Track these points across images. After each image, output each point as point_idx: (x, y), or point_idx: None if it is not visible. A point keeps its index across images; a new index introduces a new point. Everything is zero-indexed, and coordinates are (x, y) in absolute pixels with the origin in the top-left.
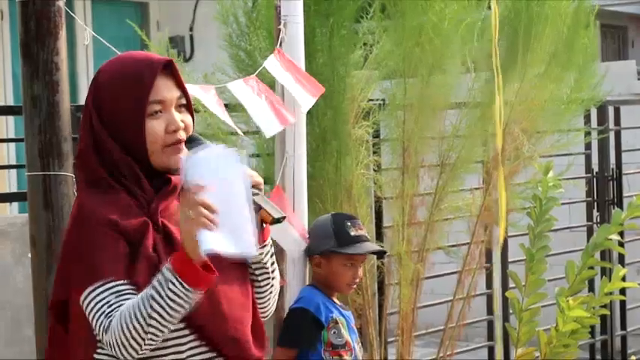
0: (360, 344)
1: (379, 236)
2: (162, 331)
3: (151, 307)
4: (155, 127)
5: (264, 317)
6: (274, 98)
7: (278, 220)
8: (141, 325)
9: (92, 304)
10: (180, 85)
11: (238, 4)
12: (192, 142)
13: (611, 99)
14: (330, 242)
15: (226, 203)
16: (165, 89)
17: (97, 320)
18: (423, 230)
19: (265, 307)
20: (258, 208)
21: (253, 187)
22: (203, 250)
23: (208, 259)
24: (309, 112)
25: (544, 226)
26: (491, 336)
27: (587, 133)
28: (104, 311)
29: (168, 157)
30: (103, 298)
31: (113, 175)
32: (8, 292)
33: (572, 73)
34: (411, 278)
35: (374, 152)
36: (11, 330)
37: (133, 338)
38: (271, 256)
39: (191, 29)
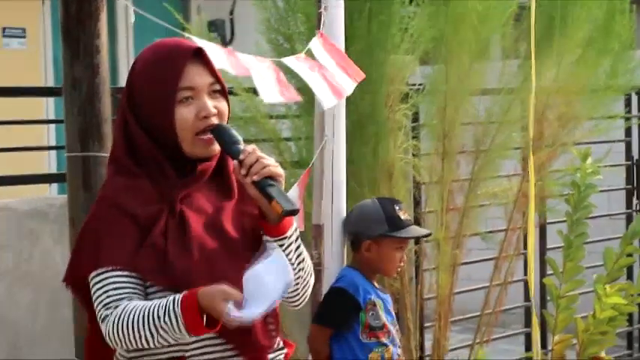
0: (397, 327)
1: (417, 221)
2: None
3: (153, 336)
4: (185, 113)
5: (294, 307)
6: (328, 73)
7: (289, 213)
8: (137, 339)
9: (94, 290)
10: (212, 72)
11: None
12: (220, 131)
13: None
14: (383, 227)
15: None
16: (196, 75)
17: (97, 307)
18: (460, 216)
19: (294, 297)
20: (270, 199)
21: (272, 178)
22: (226, 317)
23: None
24: (348, 96)
25: (582, 213)
26: (528, 323)
27: (627, 120)
28: (102, 300)
29: (199, 144)
30: (103, 287)
31: (138, 162)
32: (47, 272)
33: (608, 58)
34: (449, 264)
35: (413, 137)
36: (50, 310)
37: (127, 344)
38: (297, 248)
39: (231, 13)
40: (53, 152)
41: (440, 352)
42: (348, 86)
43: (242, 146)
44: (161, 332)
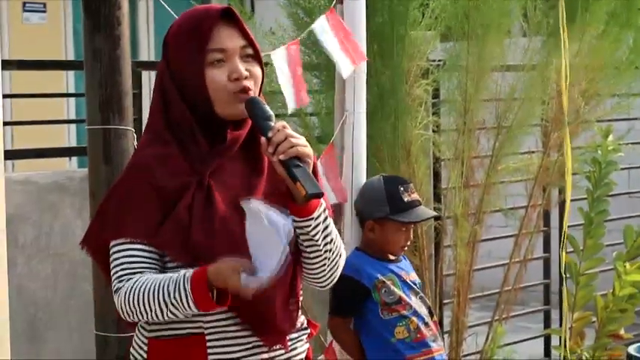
0: (421, 295)
1: (437, 197)
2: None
3: (162, 311)
4: (216, 75)
5: (322, 287)
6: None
7: (313, 196)
8: (147, 312)
9: (111, 259)
10: (245, 35)
11: None
12: (252, 104)
13: None
14: (384, 209)
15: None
16: (226, 38)
17: (112, 277)
18: (480, 192)
19: (320, 278)
20: (294, 180)
21: (299, 158)
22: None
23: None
24: (367, 71)
25: (603, 190)
26: (547, 300)
27: None
28: (117, 272)
29: (233, 105)
30: (119, 258)
31: (172, 130)
32: (67, 245)
33: (631, 34)
34: (468, 240)
35: (433, 113)
36: (70, 283)
37: (138, 316)
38: (324, 229)
39: None
40: (73, 126)
41: (459, 328)
42: (346, 68)
43: (273, 123)
44: (171, 308)
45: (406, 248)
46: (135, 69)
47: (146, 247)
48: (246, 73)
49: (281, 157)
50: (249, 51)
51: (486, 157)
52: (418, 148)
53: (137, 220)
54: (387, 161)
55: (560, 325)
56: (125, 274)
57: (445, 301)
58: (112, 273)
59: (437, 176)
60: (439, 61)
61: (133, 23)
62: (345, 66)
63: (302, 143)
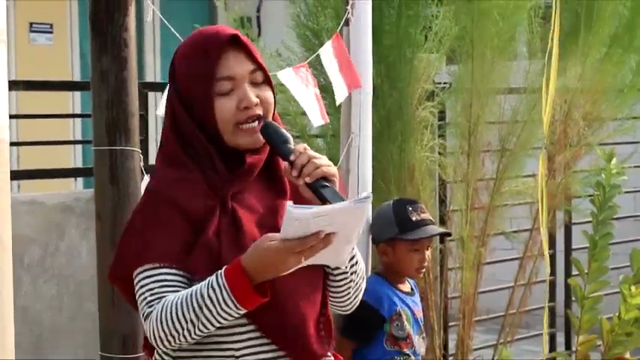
0: (424, 335)
1: (442, 220)
2: (205, 334)
3: (198, 317)
4: (225, 105)
5: (344, 311)
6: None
7: None
8: (182, 328)
9: (138, 286)
10: (253, 59)
11: None
12: (268, 130)
13: None
14: (393, 229)
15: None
16: (235, 64)
17: (140, 305)
18: (484, 215)
19: (344, 302)
20: (324, 202)
21: (325, 178)
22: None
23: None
24: (374, 93)
25: (607, 213)
26: (552, 323)
27: None
28: (146, 298)
29: (241, 136)
30: (148, 284)
31: (189, 154)
32: (73, 267)
33: (634, 56)
34: (473, 263)
35: (439, 135)
36: (75, 304)
37: (172, 336)
38: (351, 258)
39: (258, 10)
40: (79, 147)
41: (464, 351)
42: (341, 93)
43: (292, 145)
44: (205, 312)
45: (423, 271)
46: (141, 90)
47: (175, 271)
48: (256, 100)
49: (307, 179)
50: (259, 75)
51: (491, 180)
52: (424, 171)
53: (165, 244)
54: (393, 183)
55: (566, 348)
56: (155, 299)
57: (450, 324)
58: (140, 300)
59: (442, 199)
60: (444, 83)
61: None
62: (340, 92)
63: (326, 163)
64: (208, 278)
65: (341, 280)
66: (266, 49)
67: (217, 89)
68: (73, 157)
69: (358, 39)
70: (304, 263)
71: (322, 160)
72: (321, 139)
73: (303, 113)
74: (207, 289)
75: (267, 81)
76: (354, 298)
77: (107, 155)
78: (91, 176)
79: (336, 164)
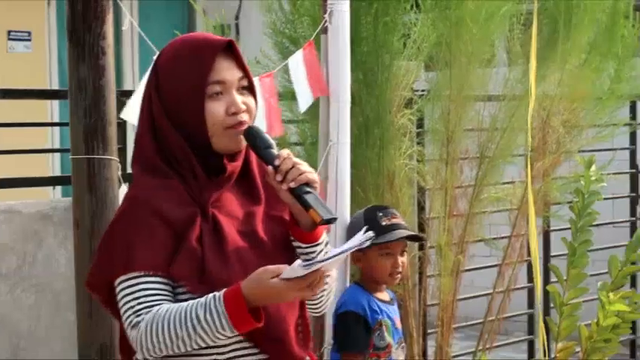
0: (404, 344)
1: (421, 227)
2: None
3: (190, 336)
4: (215, 108)
5: (317, 314)
6: (272, 107)
7: (328, 222)
8: (173, 343)
9: (122, 294)
10: (241, 67)
11: None
12: (252, 135)
13: None
14: None
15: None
16: (225, 70)
17: (125, 313)
18: (463, 222)
19: (318, 304)
20: (307, 208)
21: (308, 184)
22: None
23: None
24: (352, 101)
25: (586, 220)
26: (531, 330)
27: (632, 127)
28: (132, 306)
29: (228, 139)
30: (133, 292)
31: (168, 161)
32: (51, 275)
33: (613, 64)
34: (452, 270)
35: (418, 142)
36: (54, 313)
37: (161, 349)
38: (325, 254)
39: (237, 17)
40: (57, 155)
41: (443, 358)
42: (305, 100)
43: (276, 150)
44: (200, 332)
45: (398, 276)
46: (119, 98)
47: (160, 279)
48: (244, 107)
49: (291, 184)
50: (245, 83)
51: (469, 187)
52: (402, 178)
53: (149, 252)
54: (372, 191)
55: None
56: (143, 307)
57: (429, 331)
58: (125, 308)
59: (421, 206)
60: (423, 90)
61: (117, 52)
62: (304, 99)
63: (308, 170)
64: (204, 299)
65: None
66: (244, 57)
67: (208, 92)
68: (51, 166)
69: (336, 47)
70: None
71: (305, 166)
72: (301, 147)
73: (283, 121)
74: (205, 312)
75: (252, 89)
76: (327, 300)
77: (85, 164)
78: (69, 185)
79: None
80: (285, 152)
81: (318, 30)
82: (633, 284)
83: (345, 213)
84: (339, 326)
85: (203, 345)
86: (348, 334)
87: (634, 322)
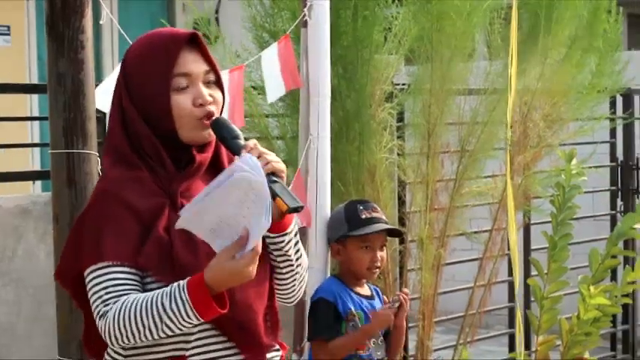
0: (382, 339)
1: (402, 221)
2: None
3: (157, 325)
4: (182, 100)
5: (289, 302)
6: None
7: (295, 210)
8: (140, 332)
9: (91, 284)
10: (208, 60)
11: None
12: (219, 125)
13: (636, 87)
14: (343, 228)
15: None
16: (191, 62)
17: (94, 303)
18: (444, 216)
19: (289, 293)
20: (273, 196)
21: (274, 174)
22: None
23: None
24: (332, 95)
25: (567, 213)
26: (512, 323)
27: (612, 121)
28: (101, 296)
29: (196, 131)
30: (102, 282)
31: (138, 153)
32: (30, 270)
33: (594, 58)
34: (433, 264)
35: (398, 136)
36: (33, 308)
37: (128, 337)
38: (295, 244)
39: (216, 12)
40: (37, 149)
41: (424, 352)
42: (275, 92)
43: (242, 141)
44: (166, 321)
45: (376, 271)
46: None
47: (128, 269)
48: (210, 99)
49: None
50: (212, 76)
51: (450, 181)
52: (383, 172)
53: (117, 242)
54: (352, 185)
55: (526, 348)
56: (111, 297)
57: (410, 325)
58: (94, 298)
59: (402, 200)
60: (403, 84)
61: (97, 47)
62: (273, 91)
63: (275, 159)
64: (169, 289)
65: (287, 272)
66: (224, 51)
67: (174, 85)
68: (31, 160)
69: (316, 41)
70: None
71: (271, 155)
72: (281, 141)
73: (266, 115)
74: (170, 301)
75: (219, 82)
76: (299, 290)
77: (64, 158)
78: (49, 179)
79: (295, 166)
80: (252, 142)
81: (294, 24)
82: (614, 277)
83: (325, 207)
84: (310, 314)
85: (170, 334)
86: (317, 321)
87: (614, 315)
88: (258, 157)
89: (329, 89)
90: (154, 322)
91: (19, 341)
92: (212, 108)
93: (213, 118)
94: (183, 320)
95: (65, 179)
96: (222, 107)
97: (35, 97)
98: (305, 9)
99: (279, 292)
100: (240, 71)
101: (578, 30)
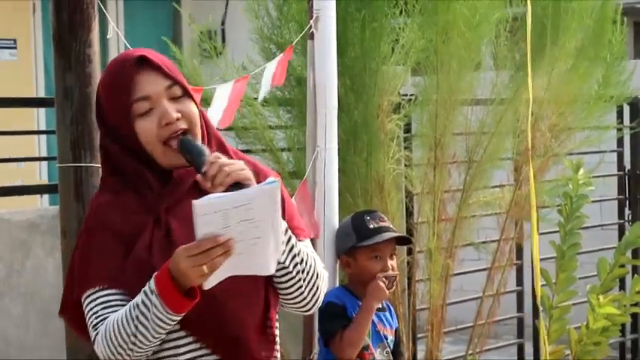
0: (388, 350)
1: (410, 232)
2: (148, 345)
3: (136, 327)
4: (146, 125)
5: (304, 311)
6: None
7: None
8: (125, 342)
9: (86, 312)
10: (166, 75)
11: None
12: (184, 145)
13: None
14: (352, 239)
15: (244, 234)
16: (147, 84)
17: (90, 331)
18: (452, 226)
19: (299, 301)
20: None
21: (240, 184)
22: (206, 286)
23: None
24: (339, 106)
25: (575, 223)
26: (520, 333)
27: (619, 130)
28: (92, 322)
29: (170, 154)
30: (92, 308)
31: (122, 178)
32: (39, 283)
33: (600, 68)
34: (441, 274)
35: (405, 147)
36: (42, 322)
37: (119, 353)
38: (290, 251)
39: (222, 23)
40: (44, 163)
41: None
42: (265, 88)
43: (207, 157)
44: (142, 319)
45: (392, 286)
46: None
47: (114, 291)
48: (177, 115)
49: (220, 189)
50: (177, 90)
51: (458, 191)
52: (390, 183)
53: (102, 267)
54: (360, 196)
55: (535, 358)
56: (99, 321)
57: (419, 336)
58: (89, 326)
59: (409, 211)
60: (410, 95)
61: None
62: (263, 88)
63: (238, 168)
64: (142, 290)
65: (286, 280)
66: (233, 62)
67: (136, 111)
68: (39, 174)
69: (322, 52)
70: (226, 274)
71: (235, 166)
72: (288, 153)
73: (270, 127)
74: (141, 295)
75: (188, 94)
76: (312, 297)
77: (72, 172)
78: (56, 193)
79: (302, 177)
80: (213, 156)
81: (300, 35)
82: (622, 287)
83: (333, 218)
84: (320, 320)
85: (150, 336)
86: (329, 321)
87: (623, 325)
88: (218, 171)
89: (336, 101)
90: (134, 324)
91: (28, 355)
92: (181, 125)
93: (178, 140)
94: (154, 315)
95: (73, 193)
96: (201, 117)
97: (42, 110)
98: (311, 20)
99: (287, 301)
100: (244, 81)
101: (585, 40)
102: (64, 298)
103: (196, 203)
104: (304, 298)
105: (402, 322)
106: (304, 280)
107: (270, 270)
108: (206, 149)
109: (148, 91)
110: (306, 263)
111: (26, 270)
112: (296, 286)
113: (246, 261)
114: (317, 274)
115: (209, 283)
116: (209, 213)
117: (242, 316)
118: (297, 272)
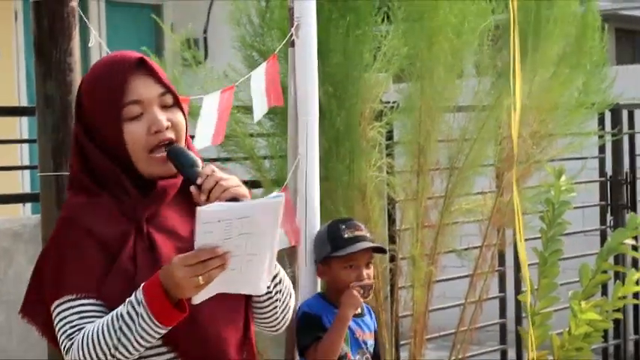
0: (367, 356)
1: (392, 239)
2: (128, 358)
3: (118, 339)
4: (135, 130)
5: (275, 331)
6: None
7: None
8: (104, 354)
9: (57, 319)
10: (161, 82)
11: (252, 4)
12: (174, 153)
13: (624, 102)
14: (327, 248)
15: (240, 248)
16: (142, 88)
17: (60, 338)
18: (434, 233)
19: (272, 322)
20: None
21: (235, 199)
22: (195, 301)
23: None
24: (321, 113)
25: (557, 229)
26: (503, 339)
27: (601, 137)
28: (66, 331)
29: (154, 163)
30: (66, 317)
31: (97, 180)
32: (21, 292)
33: (582, 75)
34: (424, 281)
35: (387, 154)
36: (25, 329)
37: None
38: (275, 276)
39: (205, 31)
40: (27, 172)
41: None
42: (259, 111)
43: (200, 168)
44: (125, 330)
45: (366, 294)
46: None
47: (93, 301)
48: (167, 124)
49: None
50: (169, 98)
51: (440, 198)
52: (373, 190)
53: (80, 273)
54: (342, 203)
55: None
56: (75, 331)
57: (402, 342)
58: (60, 334)
59: (392, 218)
60: (393, 102)
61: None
62: (258, 109)
63: (234, 184)
64: (127, 300)
65: (266, 301)
66: (213, 71)
67: (126, 114)
68: (22, 182)
69: (303, 60)
70: (217, 290)
71: (231, 181)
72: (270, 161)
73: (252, 135)
74: (126, 306)
75: (178, 104)
76: (282, 318)
77: (53, 181)
78: (39, 202)
79: (283, 185)
80: (209, 169)
81: (282, 43)
82: (604, 292)
83: (314, 226)
84: (297, 330)
85: (132, 349)
86: (303, 332)
87: (606, 331)
88: (215, 185)
89: (317, 108)
90: (116, 335)
91: None
92: (169, 134)
93: (169, 148)
94: (140, 326)
95: (54, 201)
96: (187, 129)
97: (25, 119)
98: (292, 28)
99: (260, 321)
100: (231, 91)
101: (566, 47)
102: (28, 297)
103: (202, 210)
104: (276, 318)
105: (385, 329)
106: (280, 301)
107: (261, 290)
108: (198, 160)
109: (142, 96)
110: (283, 283)
111: (9, 278)
112: (272, 306)
113: (238, 278)
114: (290, 295)
115: (199, 298)
116: (212, 221)
117: (225, 334)
118: (276, 292)
